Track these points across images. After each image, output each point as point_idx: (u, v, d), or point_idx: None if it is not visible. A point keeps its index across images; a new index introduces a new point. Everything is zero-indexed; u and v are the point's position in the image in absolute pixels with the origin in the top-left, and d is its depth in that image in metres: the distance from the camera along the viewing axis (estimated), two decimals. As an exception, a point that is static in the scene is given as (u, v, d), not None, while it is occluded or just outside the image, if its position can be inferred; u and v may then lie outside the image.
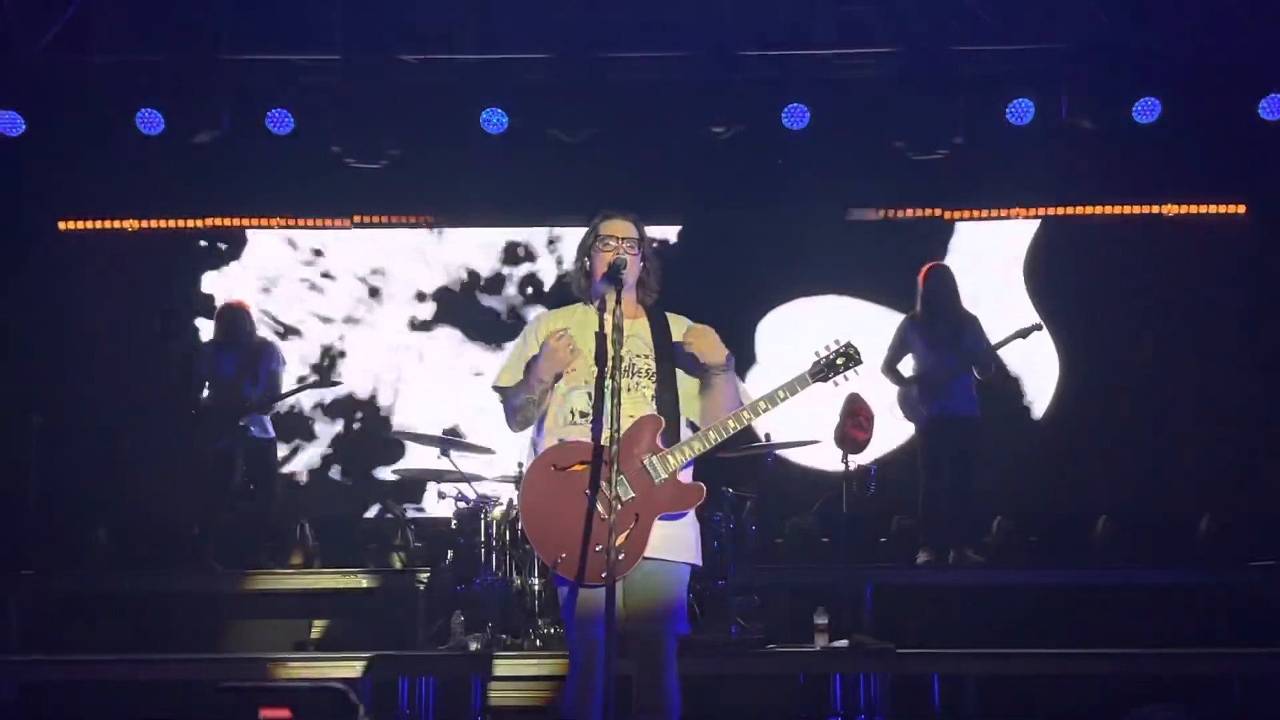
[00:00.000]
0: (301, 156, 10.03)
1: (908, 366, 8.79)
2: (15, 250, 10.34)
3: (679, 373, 4.64)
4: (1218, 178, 10.43)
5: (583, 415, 4.50)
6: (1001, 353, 8.77)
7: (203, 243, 10.89)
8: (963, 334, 8.58)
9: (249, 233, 10.88)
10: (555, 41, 9.63)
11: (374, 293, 10.87)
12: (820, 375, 4.57)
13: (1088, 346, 10.57)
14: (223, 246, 10.91)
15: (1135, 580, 8.17)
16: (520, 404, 4.61)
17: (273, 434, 9.08)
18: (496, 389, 4.77)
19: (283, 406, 9.39)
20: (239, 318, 9.03)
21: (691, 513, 4.58)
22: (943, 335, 8.56)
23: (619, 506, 4.30)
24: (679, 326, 4.70)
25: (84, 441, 10.01)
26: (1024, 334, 8.81)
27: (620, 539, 4.30)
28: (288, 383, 9.16)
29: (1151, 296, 10.47)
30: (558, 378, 4.56)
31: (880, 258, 10.49)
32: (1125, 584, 8.09)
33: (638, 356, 4.59)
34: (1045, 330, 8.91)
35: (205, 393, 8.93)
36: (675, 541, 4.50)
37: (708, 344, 4.52)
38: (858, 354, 4.59)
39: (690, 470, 4.58)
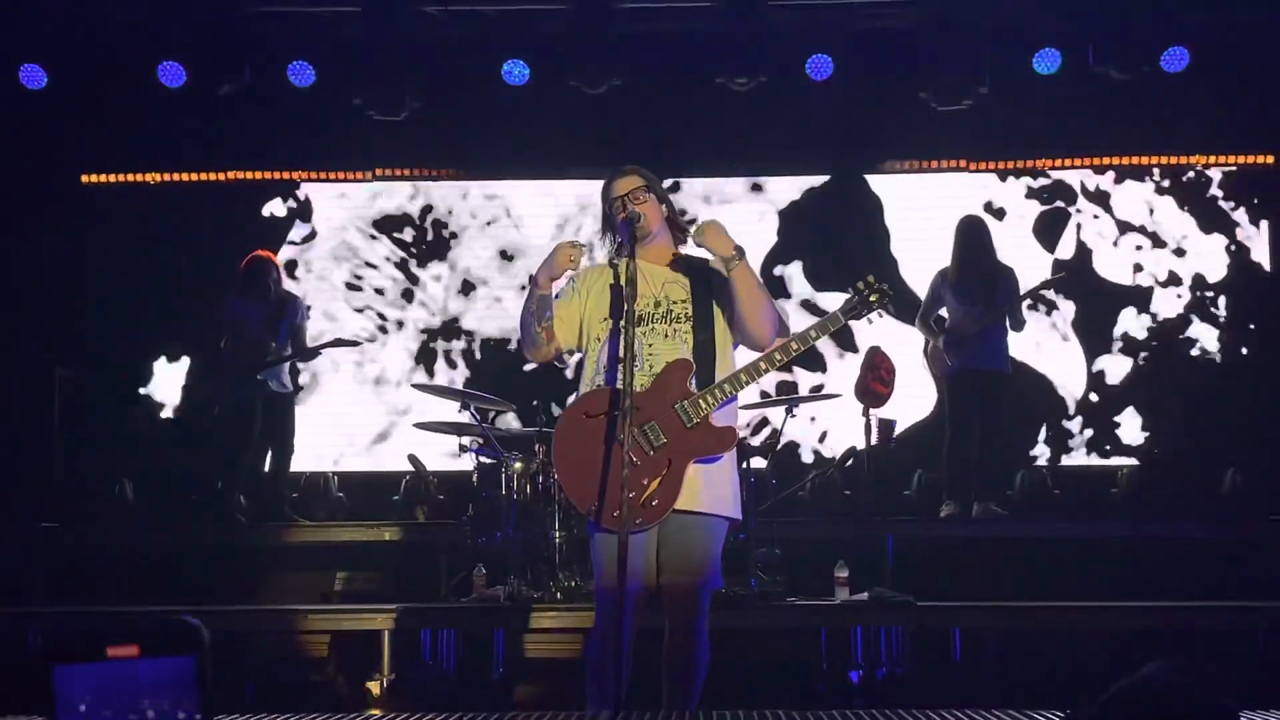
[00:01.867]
0: (323, 109, 10.01)
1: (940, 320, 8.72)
2: (38, 204, 10.34)
3: (718, 315, 4.61)
4: (1249, 127, 10.30)
5: (619, 361, 4.42)
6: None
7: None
8: (996, 287, 8.44)
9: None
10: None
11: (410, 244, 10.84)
12: (853, 313, 4.57)
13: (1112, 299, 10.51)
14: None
15: (1158, 534, 8.14)
16: (535, 313, 4.58)
17: (291, 387, 9.02)
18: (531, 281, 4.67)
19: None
20: (263, 269, 8.90)
21: (730, 463, 4.57)
22: (974, 288, 8.42)
23: (651, 452, 4.33)
24: (717, 267, 4.64)
25: (107, 395, 10.07)
26: (1050, 284, 8.79)
27: (653, 485, 4.31)
28: (310, 338, 9.14)
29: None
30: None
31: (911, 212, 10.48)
32: (1147, 538, 8.06)
33: (675, 302, 4.57)
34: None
35: (224, 343, 8.84)
36: (713, 494, 4.47)
37: (716, 238, 4.47)
38: (889, 291, 4.57)
39: (727, 410, 4.56)
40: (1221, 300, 10.38)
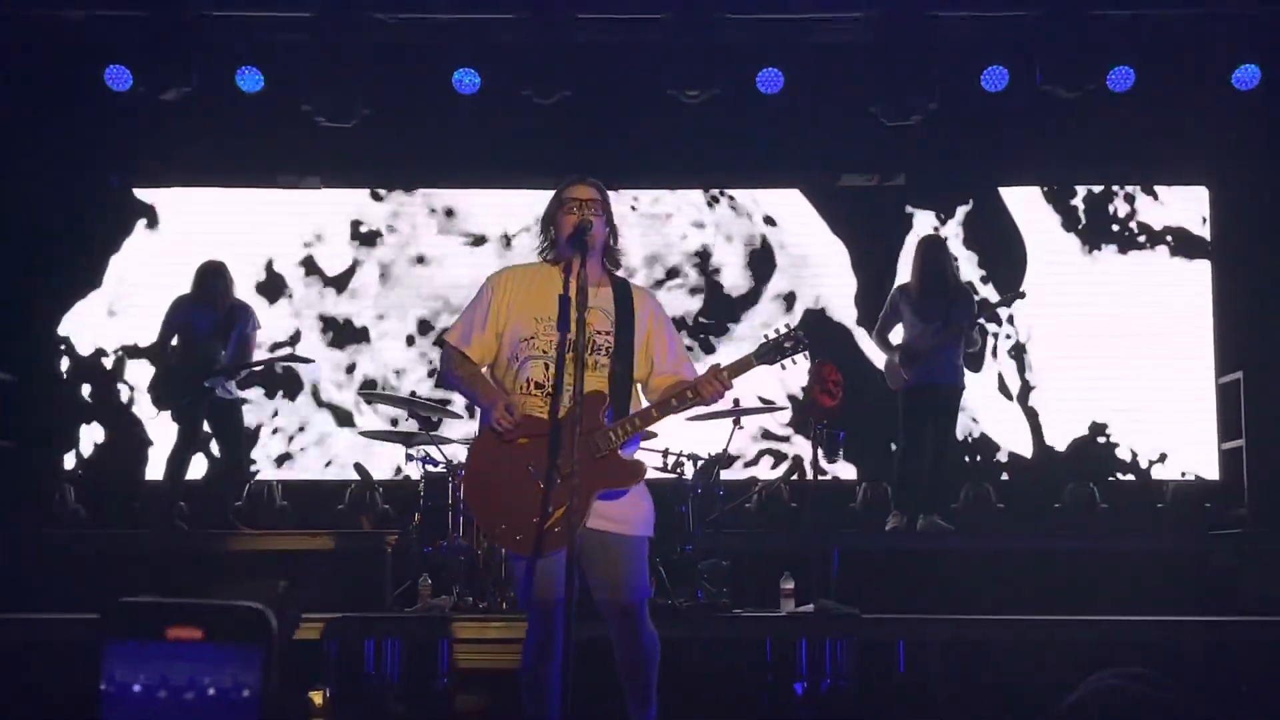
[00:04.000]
0: (271, 115, 9.94)
1: (897, 335, 8.75)
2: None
3: (635, 345, 4.63)
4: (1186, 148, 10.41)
5: (537, 386, 4.49)
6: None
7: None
8: (953, 305, 8.50)
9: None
10: (529, 1, 9.55)
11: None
12: (766, 358, 4.59)
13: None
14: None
15: (1100, 548, 8.23)
16: (457, 376, 4.64)
17: (234, 394, 8.87)
18: (443, 344, 4.76)
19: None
20: (215, 276, 8.79)
21: (643, 486, 4.61)
22: (933, 307, 8.48)
23: (558, 480, 4.36)
24: (642, 299, 4.69)
25: (51, 400, 9.97)
26: (1007, 302, 8.92)
27: (559, 513, 4.34)
28: (261, 349, 9.05)
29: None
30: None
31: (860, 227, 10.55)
32: (1089, 550, 8.15)
33: (597, 332, 4.55)
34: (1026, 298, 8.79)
35: (174, 344, 8.74)
36: (629, 516, 4.54)
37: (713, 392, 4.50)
38: (805, 339, 4.59)
39: (636, 448, 4.66)
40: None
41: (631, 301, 4.67)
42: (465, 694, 6.78)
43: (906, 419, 8.59)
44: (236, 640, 1.96)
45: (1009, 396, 10.57)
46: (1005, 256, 10.60)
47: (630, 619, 4.56)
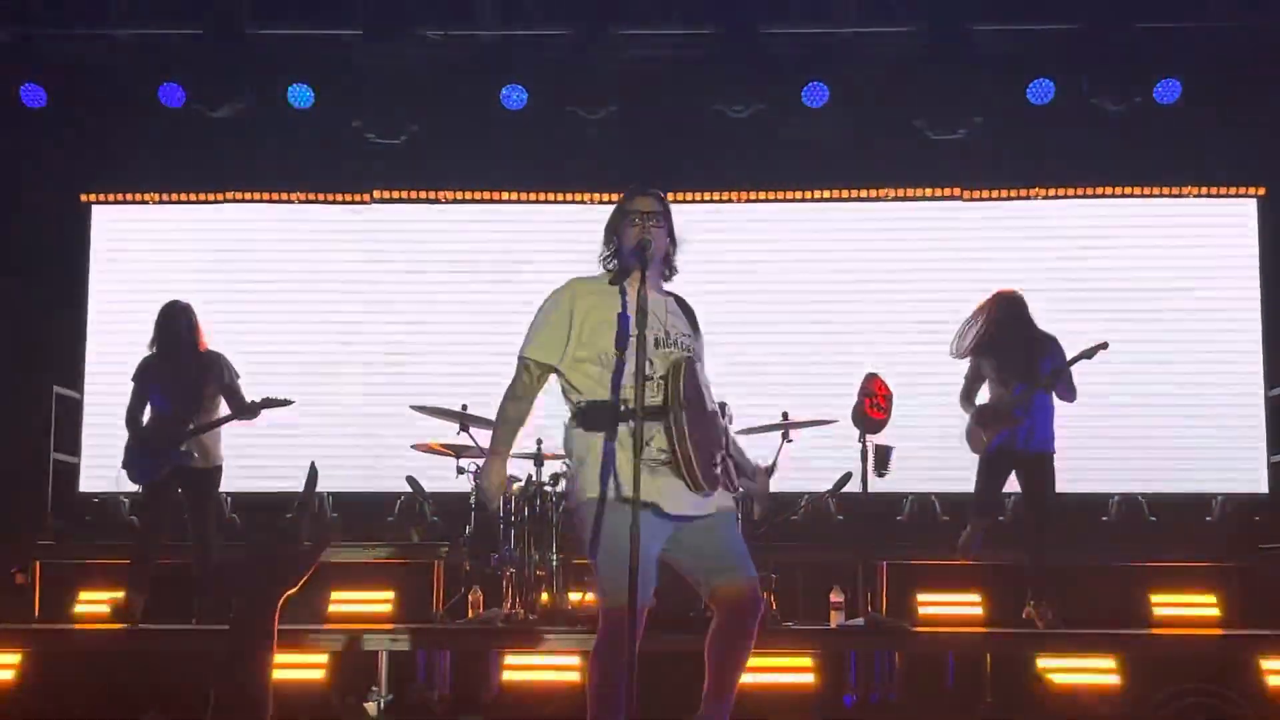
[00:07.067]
0: (322, 131, 10.07)
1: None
2: (39, 222, 10.35)
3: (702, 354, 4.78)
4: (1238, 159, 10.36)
5: (661, 450, 4.43)
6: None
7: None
8: (1038, 358, 7.82)
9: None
10: (575, 17, 9.64)
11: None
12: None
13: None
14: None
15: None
16: (508, 409, 4.71)
17: (216, 461, 7.99)
18: (527, 359, 4.69)
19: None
20: (174, 319, 7.94)
21: None
22: (1013, 362, 7.83)
23: None
24: (695, 316, 4.84)
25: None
26: (1089, 354, 7.79)
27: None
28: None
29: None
30: None
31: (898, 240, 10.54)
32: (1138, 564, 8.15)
33: (683, 334, 4.67)
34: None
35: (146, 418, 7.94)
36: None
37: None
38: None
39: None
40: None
41: (694, 315, 4.81)
42: (518, 706, 6.83)
43: (983, 487, 7.99)
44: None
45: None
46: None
47: (753, 606, 4.63)
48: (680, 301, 4.81)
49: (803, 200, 10.59)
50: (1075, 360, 7.74)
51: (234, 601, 6.17)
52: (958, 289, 9.24)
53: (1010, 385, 7.79)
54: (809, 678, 6.75)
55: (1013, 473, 7.85)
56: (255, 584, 5.93)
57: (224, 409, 7.91)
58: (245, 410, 7.84)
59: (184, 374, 7.87)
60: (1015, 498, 8.58)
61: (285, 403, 7.97)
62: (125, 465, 7.93)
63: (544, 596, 7.34)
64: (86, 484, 10.16)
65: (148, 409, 7.93)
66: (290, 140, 10.23)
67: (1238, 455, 10.18)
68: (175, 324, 7.90)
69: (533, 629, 6.94)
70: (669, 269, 4.78)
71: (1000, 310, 7.98)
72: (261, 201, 10.70)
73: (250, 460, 9.23)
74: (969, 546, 8.00)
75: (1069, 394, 7.75)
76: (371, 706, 6.64)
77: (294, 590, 5.99)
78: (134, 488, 8.33)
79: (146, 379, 7.94)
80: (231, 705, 5.57)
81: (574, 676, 6.65)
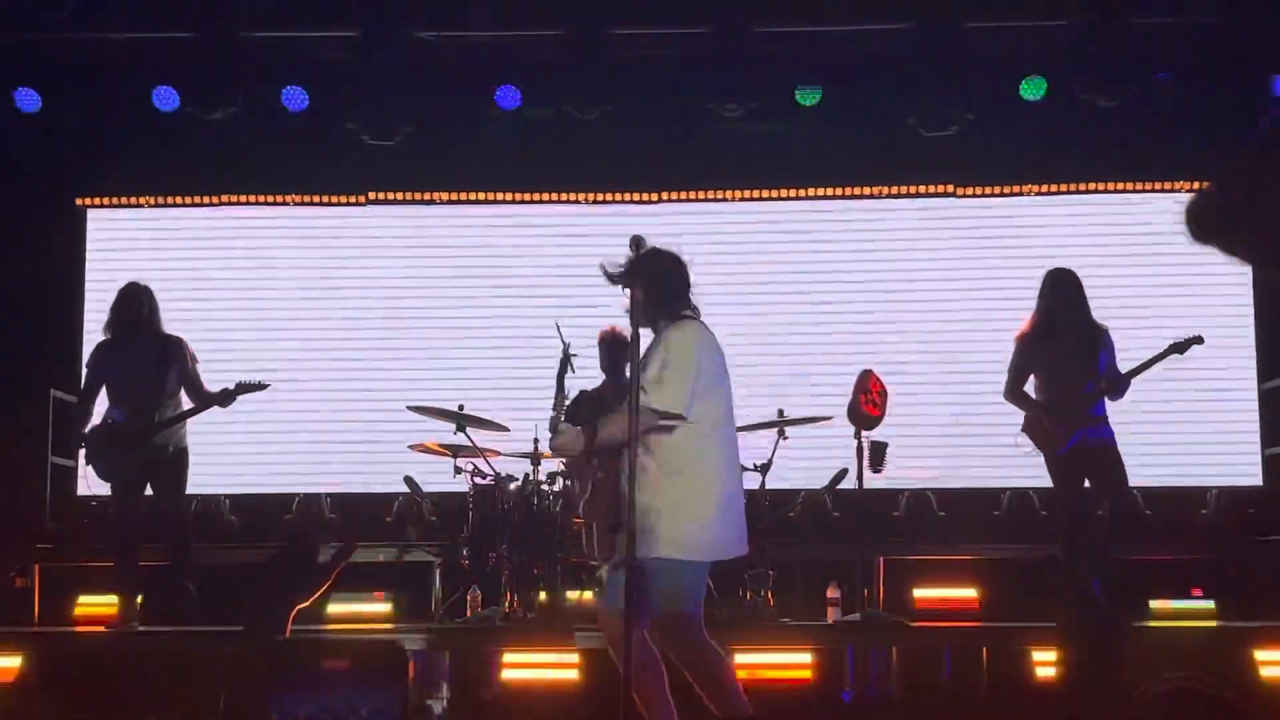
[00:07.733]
0: (316, 133, 10.08)
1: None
2: (32, 225, 10.36)
3: None
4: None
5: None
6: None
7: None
8: (1097, 349, 7.56)
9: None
10: (568, 18, 9.66)
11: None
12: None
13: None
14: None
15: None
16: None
17: (182, 444, 7.82)
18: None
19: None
20: (133, 299, 7.69)
21: None
22: (1075, 351, 7.52)
23: None
24: None
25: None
26: (1180, 349, 7.49)
27: None
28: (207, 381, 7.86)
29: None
30: None
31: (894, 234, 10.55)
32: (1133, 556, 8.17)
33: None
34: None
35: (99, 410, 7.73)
36: None
37: None
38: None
39: None
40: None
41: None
42: (517, 705, 6.84)
43: (1069, 493, 7.60)
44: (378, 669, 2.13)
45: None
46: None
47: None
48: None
49: (795, 198, 10.61)
50: (1166, 354, 7.44)
51: (247, 605, 6.20)
52: (951, 285, 9.28)
53: (1068, 378, 7.46)
54: (806, 673, 6.77)
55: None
56: (272, 591, 5.96)
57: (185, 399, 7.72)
58: (218, 398, 7.61)
59: (143, 357, 7.63)
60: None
61: (260, 386, 7.73)
62: (90, 460, 7.72)
63: (542, 595, 7.36)
64: (85, 487, 10.14)
65: (103, 396, 7.70)
66: (285, 142, 10.23)
67: (1232, 448, 10.22)
68: (135, 303, 7.65)
69: (531, 628, 6.96)
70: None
71: (1055, 291, 7.62)
72: (257, 204, 10.71)
73: (249, 461, 9.25)
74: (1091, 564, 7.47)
75: (1123, 392, 7.49)
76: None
77: (308, 602, 6.04)
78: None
79: (101, 364, 7.71)
80: (242, 709, 5.60)
81: (574, 675, 6.67)
